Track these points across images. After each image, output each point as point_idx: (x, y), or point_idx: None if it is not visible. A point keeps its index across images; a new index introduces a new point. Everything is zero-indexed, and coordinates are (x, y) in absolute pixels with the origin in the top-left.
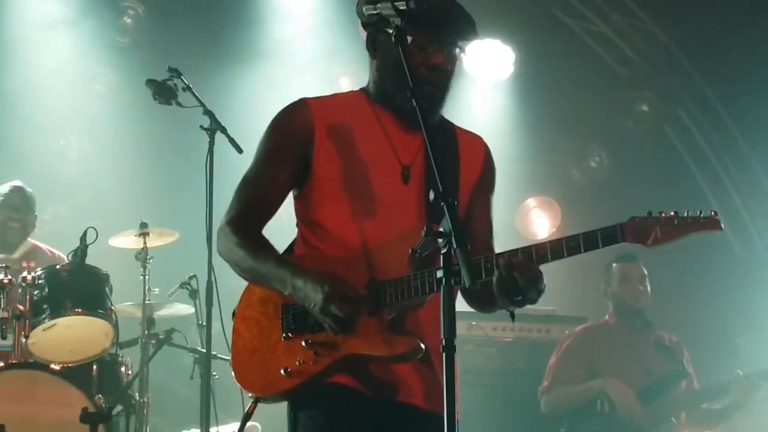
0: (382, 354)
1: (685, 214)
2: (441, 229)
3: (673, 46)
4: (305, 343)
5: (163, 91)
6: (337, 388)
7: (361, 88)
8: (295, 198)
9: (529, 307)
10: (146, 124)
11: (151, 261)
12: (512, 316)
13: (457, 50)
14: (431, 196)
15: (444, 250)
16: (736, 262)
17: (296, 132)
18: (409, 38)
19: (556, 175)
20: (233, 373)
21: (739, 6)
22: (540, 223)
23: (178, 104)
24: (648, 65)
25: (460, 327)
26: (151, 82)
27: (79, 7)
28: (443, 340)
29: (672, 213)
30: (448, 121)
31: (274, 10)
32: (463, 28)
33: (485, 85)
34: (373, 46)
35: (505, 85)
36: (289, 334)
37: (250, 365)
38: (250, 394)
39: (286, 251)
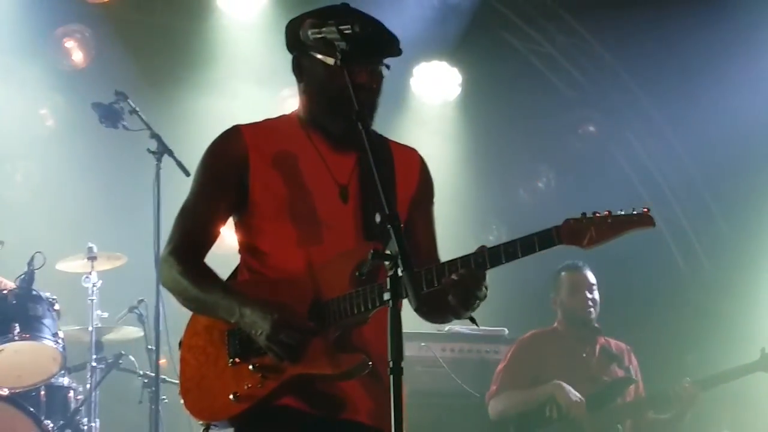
0: (328, 372)
1: (619, 213)
2: (388, 252)
3: (618, 66)
4: (252, 367)
5: (110, 115)
6: (283, 412)
7: (292, 112)
8: (235, 225)
9: (477, 327)
10: (93, 148)
11: (99, 285)
12: (474, 321)
13: (382, 68)
14: (377, 218)
15: (390, 273)
16: (683, 280)
17: (230, 160)
18: (332, 60)
19: (503, 196)
20: (183, 402)
21: (684, 27)
22: None
23: (125, 127)
24: (594, 86)
25: (410, 348)
26: (97, 106)
27: (26, 31)
28: (390, 363)
29: (606, 212)
30: (381, 136)
31: (221, 35)
32: (385, 47)
33: (432, 106)
34: (299, 70)
35: (452, 106)
36: (236, 360)
37: (198, 393)
38: (200, 422)
39: (229, 278)
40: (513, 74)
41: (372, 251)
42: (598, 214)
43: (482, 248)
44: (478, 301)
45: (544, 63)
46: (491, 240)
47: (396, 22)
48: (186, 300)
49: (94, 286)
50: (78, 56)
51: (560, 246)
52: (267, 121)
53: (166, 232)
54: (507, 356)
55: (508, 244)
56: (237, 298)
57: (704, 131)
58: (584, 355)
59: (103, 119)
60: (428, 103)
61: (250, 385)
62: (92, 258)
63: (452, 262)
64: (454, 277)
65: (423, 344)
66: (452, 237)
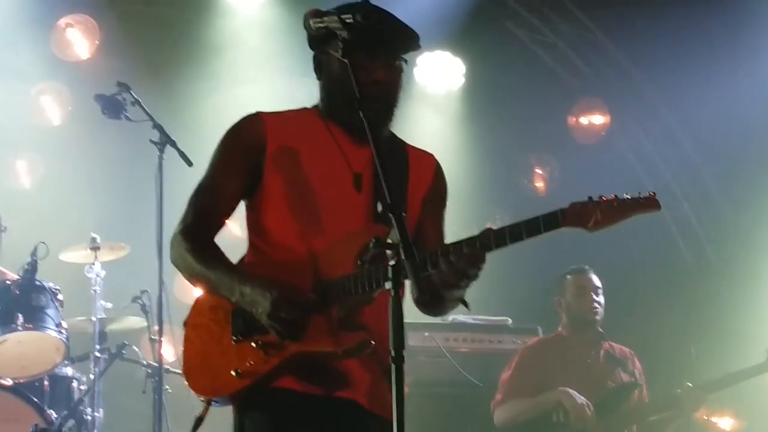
0: (330, 350)
1: (625, 197)
2: (390, 240)
3: (622, 56)
4: (255, 344)
5: (112, 106)
6: (283, 393)
7: (313, 106)
8: (247, 208)
9: (481, 317)
10: (96, 139)
11: (102, 275)
12: (466, 304)
13: (400, 63)
14: (380, 207)
15: (392, 262)
16: (688, 271)
17: (249, 144)
18: (347, 59)
19: (507, 186)
20: (185, 379)
21: (688, 16)
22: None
23: (127, 118)
24: (598, 76)
25: (413, 338)
26: (99, 97)
27: (29, 22)
28: (392, 351)
29: (612, 196)
30: (399, 139)
31: (224, 26)
32: (401, 42)
33: (436, 96)
34: (318, 68)
35: (456, 96)
36: (239, 337)
37: (201, 370)
38: (201, 398)
39: (238, 262)
40: (517, 64)
41: (374, 239)
42: (604, 198)
43: (488, 230)
44: (468, 281)
45: (548, 53)
46: None
47: (400, 12)
48: (191, 276)
49: (97, 276)
50: (81, 47)
51: (567, 230)
52: (288, 112)
53: (168, 223)
54: (511, 365)
55: (514, 225)
56: (237, 277)
57: (710, 122)
58: (589, 360)
59: (106, 110)
60: (432, 93)
61: (252, 362)
62: (95, 248)
63: (457, 244)
64: (453, 258)
65: (427, 334)
66: (455, 227)
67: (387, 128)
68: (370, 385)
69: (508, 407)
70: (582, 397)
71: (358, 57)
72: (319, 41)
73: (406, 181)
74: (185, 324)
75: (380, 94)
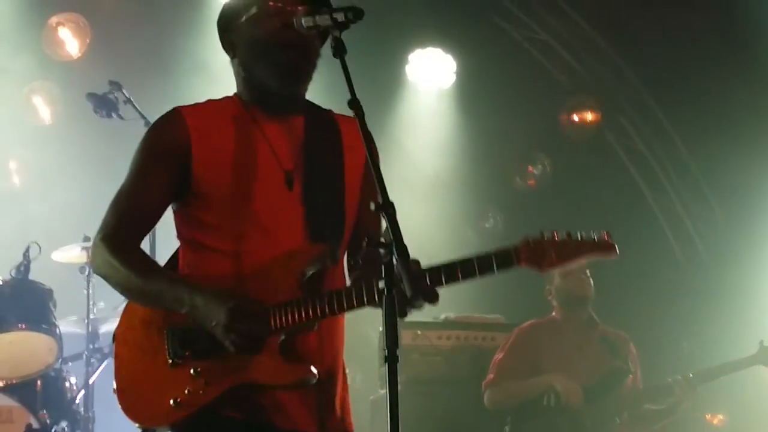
0: (274, 382)
1: (579, 237)
2: (382, 240)
3: (613, 52)
4: (194, 371)
5: (104, 104)
6: (224, 421)
7: (234, 94)
8: (175, 213)
9: (474, 314)
10: (88, 138)
11: (94, 275)
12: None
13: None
14: (372, 207)
15: (385, 261)
16: (679, 267)
17: (172, 145)
18: (255, 8)
19: (499, 183)
20: (118, 403)
21: (679, 14)
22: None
23: (120, 117)
24: (589, 72)
25: (405, 336)
26: (91, 96)
27: (20, 22)
28: (385, 350)
29: (566, 236)
30: (325, 110)
31: (215, 24)
32: None
33: (427, 93)
34: (231, 47)
35: (447, 93)
36: (177, 360)
37: (134, 394)
38: (136, 425)
39: (165, 266)
40: (507, 61)
41: (367, 239)
42: (557, 237)
43: (439, 267)
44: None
45: (539, 49)
46: (487, 228)
47: (391, 9)
48: (125, 290)
49: (90, 276)
50: (72, 45)
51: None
52: (209, 102)
53: (161, 222)
54: (505, 346)
55: (465, 261)
56: (185, 287)
57: (701, 118)
58: (580, 344)
59: (98, 109)
60: (423, 90)
61: (190, 390)
62: (88, 248)
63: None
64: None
65: (419, 332)
66: (449, 226)
67: (306, 84)
68: (318, 411)
69: (499, 389)
70: (574, 382)
71: (266, 6)
72: (227, 23)
73: (342, 159)
74: (114, 338)
75: (294, 39)
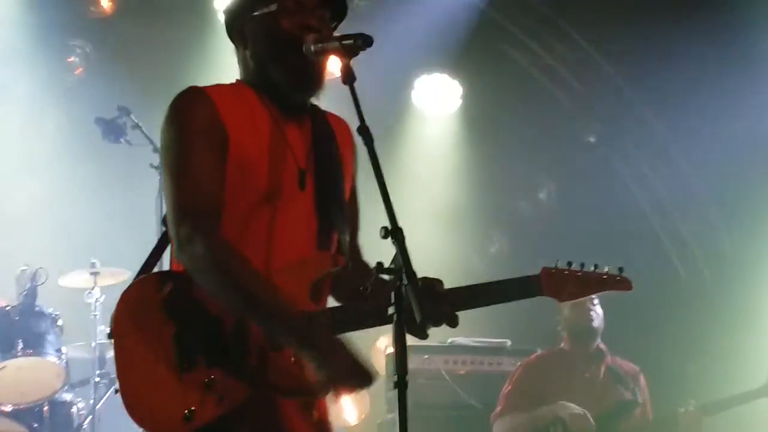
0: (294, 391)
1: (597, 270)
2: (392, 266)
3: (619, 77)
4: (207, 380)
5: (112, 130)
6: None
7: (240, 79)
8: None
9: (481, 339)
10: (96, 163)
11: (101, 300)
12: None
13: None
14: (382, 233)
15: (396, 286)
16: (685, 291)
17: (211, 123)
18: (275, 5)
19: (505, 207)
20: (124, 405)
21: (686, 38)
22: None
23: (128, 142)
24: (595, 97)
25: (413, 360)
26: (100, 121)
27: (27, 47)
28: (395, 377)
29: (583, 270)
30: (321, 110)
31: (222, 48)
32: None
33: (433, 119)
34: (242, 38)
35: (453, 118)
36: (188, 370)
37: (144, 399)
38: (142, 430)
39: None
40: (514, 86)
41: (376, 264)
42: (577, 271)
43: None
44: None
45: (545, 74)
46: (493, 252)
47: (397, 35)
48: (231, 288)
49: (97, 301)
50: (80, 71)
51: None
52: (224, 87)
53: (168, 248)
54: (512, 378)
55: (488, 286)
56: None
57: (705, 142)
58: (588, 375)
59: (106, 134)
60: (429, 115)
61: (203, 401)
62: (95, 273)
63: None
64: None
65: (426, 357)
66: (454, 250)
67: (319, 93)
68: (317, 426)
69: (506, 420)
70: (581, 409)
71: (287, 4)
72: (240, 11)
73: (341, 161)
74: (113, 334)
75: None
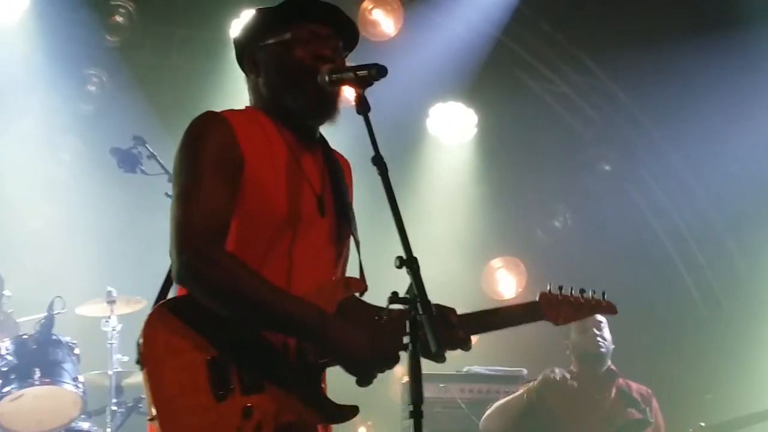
0: (327, 418)
1: (589, 297)
2: (407, 295)
3: (633, 105)
4: (244, 408)
5: (128, 159)
6: None
7: (251, 106)
8: None
9: (496, 368)
10: (112, 192)
11: (118, 329)
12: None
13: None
14: (396, 263)
15: (410, 316)
16: (701, 320)
17: (227, 147)
18: (289, 35)
19: (520, 235)
20: (159, 422)
21: (700, 66)
22: (506, 283)
23: (143, 172)
24: (609, 124)
25: (429, 389)
26: (115, 151)
27: (44, 76)
28: (411, 405)
29: (577, 295)
30: (327, 142)
31: (236, 76)
32: (343, 24)
33: (448, 147)
34: (254, 66)
35: (469, 146)
36: (224, 396)
37: (182, 427)
38: None
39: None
40: (528, 114)
41: (390, 295)
42: (571, 295)
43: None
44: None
45: (560, 102)
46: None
47: (412, 63)
48: (251, 304)
49: (113, 329)
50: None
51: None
52: (239, 113)
53: None
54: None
55: (494, 312)
56: (317, 307)
57: (721, 169)
58: (598, 396)
59: (122, 164)
60: (444, 143)
61: (241, 428)
62: (111, 302)
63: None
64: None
65: (442, 385)
66: (470, 278)
67: (334, 120)
68: None
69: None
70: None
71: (301, 34)
72: (251, 39)
73: (348, 189)
74: (143, 360)
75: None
